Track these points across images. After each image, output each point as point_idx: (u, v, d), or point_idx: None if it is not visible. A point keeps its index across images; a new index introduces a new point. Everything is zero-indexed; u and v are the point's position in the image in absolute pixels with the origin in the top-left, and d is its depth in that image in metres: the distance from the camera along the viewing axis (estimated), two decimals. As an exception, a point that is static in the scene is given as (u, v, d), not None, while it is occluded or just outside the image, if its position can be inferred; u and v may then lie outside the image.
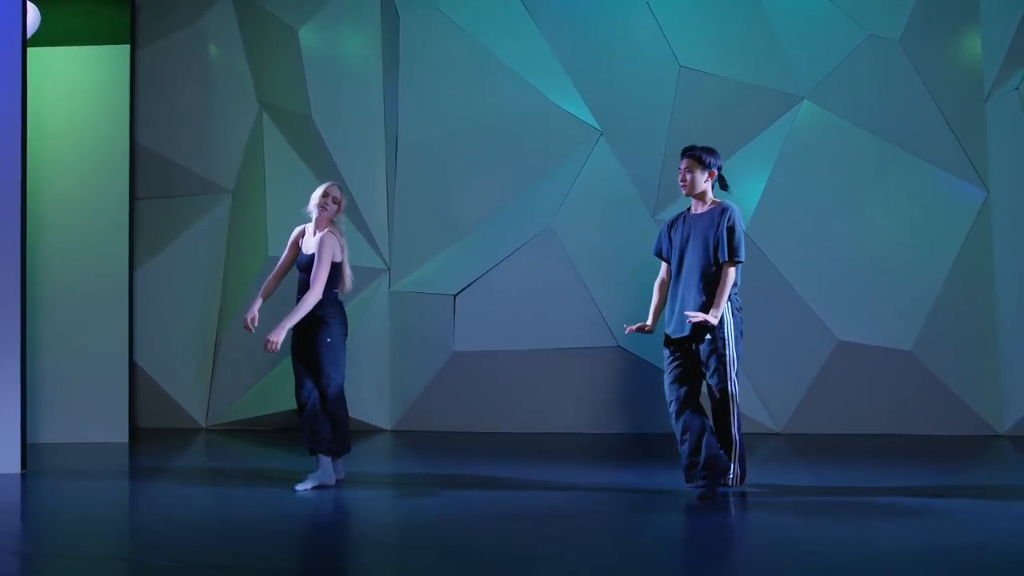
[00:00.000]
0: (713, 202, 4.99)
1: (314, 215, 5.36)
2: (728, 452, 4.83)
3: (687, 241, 4.93)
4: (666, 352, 4.99)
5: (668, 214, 7.29)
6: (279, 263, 5.50)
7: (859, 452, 6.40)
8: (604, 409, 7.34)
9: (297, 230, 5.47)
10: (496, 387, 7.40)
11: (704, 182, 4.97)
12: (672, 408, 4.93)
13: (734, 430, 4.87)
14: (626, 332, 5.11)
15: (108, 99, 7.27)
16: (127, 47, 7.35)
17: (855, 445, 6.66)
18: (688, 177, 4.96)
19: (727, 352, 4.80)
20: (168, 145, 7.97)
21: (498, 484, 5.45)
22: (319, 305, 5.22)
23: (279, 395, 7.72)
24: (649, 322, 5.11)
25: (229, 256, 7.95)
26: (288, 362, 7.72)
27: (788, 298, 7.02)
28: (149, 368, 7.87)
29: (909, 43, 6.89)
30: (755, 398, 7.14)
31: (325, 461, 5.25)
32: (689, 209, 5.08)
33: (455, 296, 7.52)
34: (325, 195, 5.32)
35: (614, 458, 6.59)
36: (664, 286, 5.10)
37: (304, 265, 5.30)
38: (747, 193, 7.08)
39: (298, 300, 5.21)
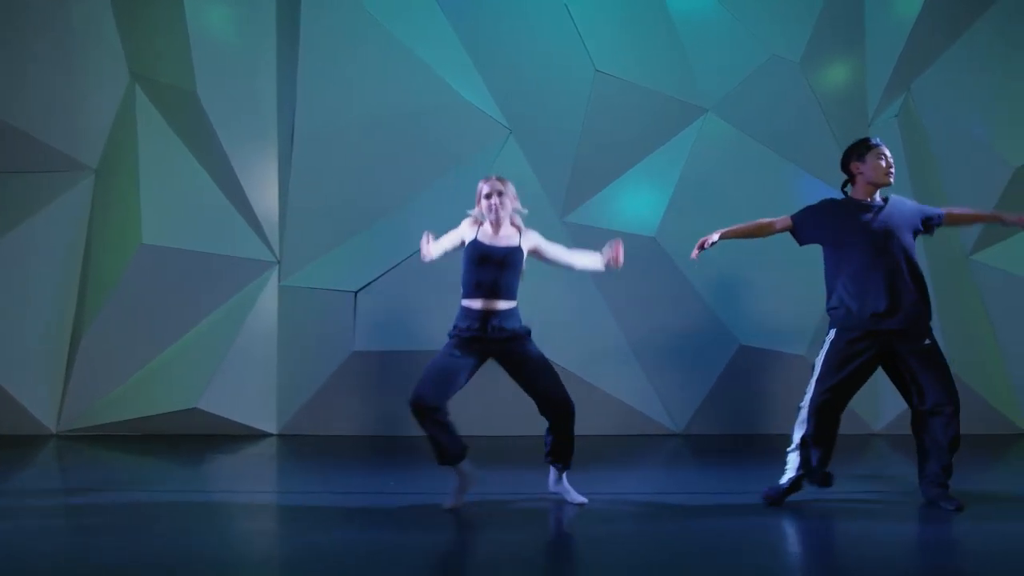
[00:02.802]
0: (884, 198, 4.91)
1: (495, 217, 4.84)
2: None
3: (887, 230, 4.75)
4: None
5: (576, 216, 7.34)
6: (440, 248, 4.84)
7: (752, 453, 6.69)
8: (514, 411, 7.20)
9: (464, 225, 4.93)
10: (400, 389, 7.02)
11: None
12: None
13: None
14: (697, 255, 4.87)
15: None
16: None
17: (749, 446, 6.96)
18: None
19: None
20: (16, 112, 7.02)
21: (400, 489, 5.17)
22: (516, 318, 4.86)
23: (147, 397, 7.01)
24: (716, 237, 4.84)
25: (91, 242, 7.12)
26: (157, 363, 7.05)
27: (693, 303, 7.24)
28: (-12, 366, 6.88)
29: (808, 65, 7.32)
30: (656, 399, 7.31)
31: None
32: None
33: (356, 293, 7.14)
34: (492, 194, 4.84)
35: (527, 462, 6.50)
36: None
37: (499, 257, 4.78)
38: (655, 199, 7.25)
39: (490, 319, 4.78)
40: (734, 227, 4.99)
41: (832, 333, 4.88)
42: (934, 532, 4.34)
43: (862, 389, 7.32)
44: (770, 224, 4.99)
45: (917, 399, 4.83)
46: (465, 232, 4.87)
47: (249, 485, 5.47)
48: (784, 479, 4.90)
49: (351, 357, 7.09)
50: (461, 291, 4.84)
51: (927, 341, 4.77)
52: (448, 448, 4.70)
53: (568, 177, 7.22)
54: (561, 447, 4.89)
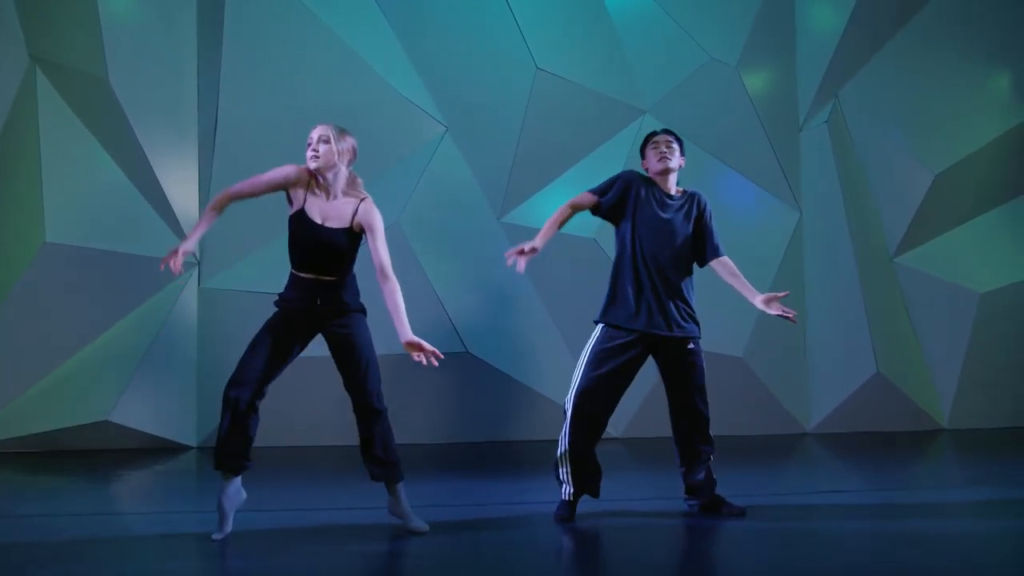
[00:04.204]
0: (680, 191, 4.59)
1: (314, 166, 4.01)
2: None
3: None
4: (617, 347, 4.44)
5: (514, 217, 7.18)
6: (250, 184, 4.11)
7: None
8: (451, 417, 6.99)
9: (291, 171, 4.08)
10: (330, 396, 6.68)
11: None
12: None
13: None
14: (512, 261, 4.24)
15: None
16: None
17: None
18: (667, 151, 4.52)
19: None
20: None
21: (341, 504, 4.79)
22: (352, 291, 4.25)
23: (53, 409, 6.47)
24: (538, 244, 4.26)
25: (-15, 239, 6.49)
26: (63, 372, 6.47)
27: (633, 306, 7.17)
28: None
29: (744, 70, 7.39)
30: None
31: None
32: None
33: (284, 295, 6.75)
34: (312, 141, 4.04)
35: (466, 468, 6.30)
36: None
37: (327, 244, 4.03)
38: (595, 201, 7.15)
39: (320, 292, 4.14)
40: (547, 226, 4.46)
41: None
42: (866, 526, 4.38)
43: (798, 392, 7.48)
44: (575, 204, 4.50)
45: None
46: (294, 185, 4.09)
47: (166, 504, 5.03)
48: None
49: (279, 364, 6.69)
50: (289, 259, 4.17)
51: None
52: (227, 450, 4.00)
53: (506, 177, 7.06)
54: (383, 456, 4.12)
